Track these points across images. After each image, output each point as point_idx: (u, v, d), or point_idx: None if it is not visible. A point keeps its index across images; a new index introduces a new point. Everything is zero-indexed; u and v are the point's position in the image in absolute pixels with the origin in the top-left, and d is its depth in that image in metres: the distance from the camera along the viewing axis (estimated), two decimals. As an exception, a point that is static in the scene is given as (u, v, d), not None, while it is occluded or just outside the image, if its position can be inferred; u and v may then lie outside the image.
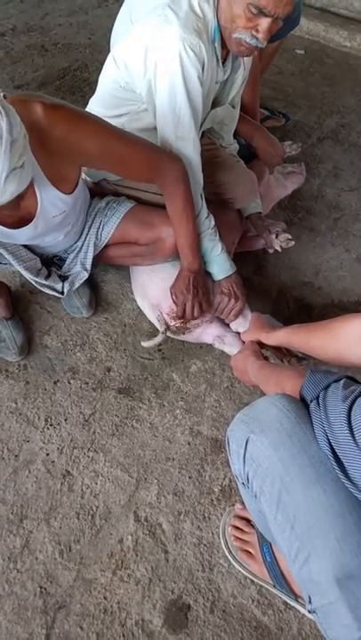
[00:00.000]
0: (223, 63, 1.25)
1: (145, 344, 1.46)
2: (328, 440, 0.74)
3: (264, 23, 1.09)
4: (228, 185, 1.50)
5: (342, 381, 0.78)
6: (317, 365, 1.37)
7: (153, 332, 1.52)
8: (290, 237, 1.61)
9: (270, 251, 1.67)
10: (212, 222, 1.36)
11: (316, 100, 2.55)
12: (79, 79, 2.46)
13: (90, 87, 2.35)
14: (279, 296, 1.69)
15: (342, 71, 2.79)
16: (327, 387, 0.79)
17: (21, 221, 1.17)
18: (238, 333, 1.45)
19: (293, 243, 1.62)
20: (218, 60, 1.21)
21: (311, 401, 0.80)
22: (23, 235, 1.22)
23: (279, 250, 1.64)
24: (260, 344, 1.27)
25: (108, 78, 1.30)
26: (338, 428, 0.72)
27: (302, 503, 0.75)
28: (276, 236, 1.61)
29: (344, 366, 0.94)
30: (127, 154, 1.16)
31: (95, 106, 1.37)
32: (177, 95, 1.17)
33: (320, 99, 2.56)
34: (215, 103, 1.35)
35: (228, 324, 1.48)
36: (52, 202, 1.18)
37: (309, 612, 0.81)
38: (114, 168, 1.24)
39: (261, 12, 1.07)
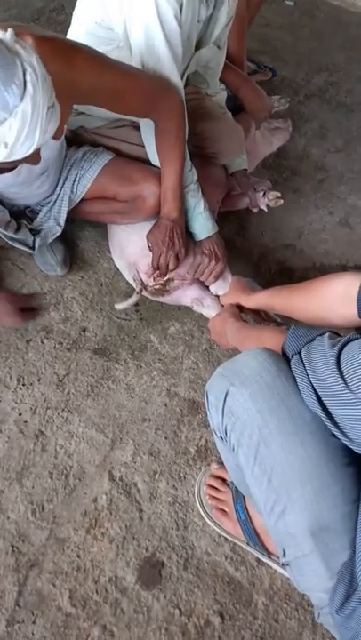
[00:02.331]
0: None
1: (118, 306, 1.42)
2: (314, 389, 0.72)
3: None
4: (212, 138, 1.43)
5: (327, 334, 0.77)
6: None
7: (130, 293, 1.47)
8: (279, 195, 1.56)
9: (255, 210, 1.62)
10: (195, 176, 1.30)
11: (305, 56, 2.45)
12: (55, 22, 2.30)
13: (66, 32, 2.19)
14: (261, 258, 1.66)
15: (332, 26, 2.68)
16: (311, 340, 0.77)
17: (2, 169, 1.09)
18: (218, 297, 1.42)
19: (282, 201, 1.57)
20: None
21: (293, 355, 0.79)
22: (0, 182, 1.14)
23: (265, 209, 1.59)
24: (240, 308, 1.24)
25: (84, 14, 1.20)
26: (326, 375, 0.70)
27: (280, 455, 0.74)
28: (264, 195, 1.56)
29: (326, 327, 0.93)
30: (124, 86, 1.08)
31: None
32: (154, 38, 1.10)
33: (308, 54, 2.47)
34: (199, 44, 1.27)
35: (207, 287, 1.44)
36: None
37: (283, 564, 0.82)
38: (109, 103, 1.15)
39: None
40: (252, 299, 1.19)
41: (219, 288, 1.41)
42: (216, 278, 1.40)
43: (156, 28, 1.08)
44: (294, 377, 0.77)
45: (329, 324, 0.92)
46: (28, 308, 1.39)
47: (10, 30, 0.81)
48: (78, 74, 0.98)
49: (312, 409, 0.74)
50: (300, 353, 0.78)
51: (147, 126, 1.27)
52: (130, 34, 1.12)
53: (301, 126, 2.09)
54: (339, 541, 0.73)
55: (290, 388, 0.76)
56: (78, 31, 1.23)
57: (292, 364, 0.78)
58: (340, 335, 0.79)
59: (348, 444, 0.71)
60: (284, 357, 0.82)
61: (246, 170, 1.61)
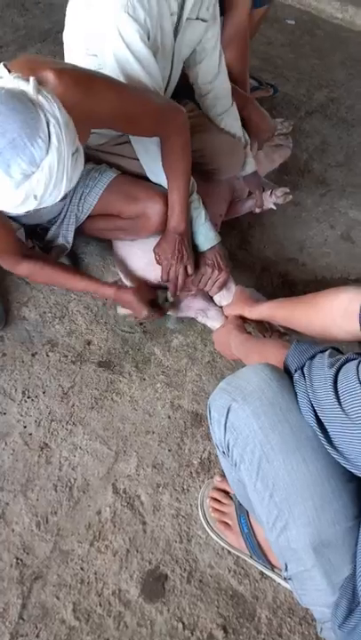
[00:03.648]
0: None
1: (121, 311, 1.43)
2: (312, 407, 0.73)
3: None
4: (211, 154, 1.46)
5: (328, 351, 0.78)
6: (301, 339, 1.37)
7: (134, 306, 1.49)
8: (288, 191, 1.59)
9: (257, 211, 1.65)
10: (195, 187, 1.33)
11: (306, 73, 2.49)
12: (61, 43, 2.33)
13: (72, 51, 2.25)
14: (263, 272, 1.68)
15: (333, 44, 2.73)
16: (313, 357, 0.78)
17: None
18: (222, 308, 1.43)
19: (291, 197, 1.61)
20: None
21: (295, 370, 0.80)
22: None
23: (274, 207, 1.62)
24: (243, 319, 1.25)
25: (72, 45, 1.25)
26: (323, 394, 0.71)
27: (282, 471, 0.75)
28: (271, 193, 1.59)
29: (328, 340, 0.94)
30: (138, 110, 1.11)
31: None
32: (129, 67, 1.14)
33: (309, 71, 2.51)
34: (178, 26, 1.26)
35: (211, 298, 1.46)
36: None
37: (285, 579, 0.82)
38: (123, 126, 1.18)
39: None
40: (256, 310, 1.20)
41: (222, 298, 1.43)
42: (220, 288, 1.41)
43: (127, 56, 1.12)
44: (296, 392, 0.78)
45: (330, 336, 0.93)
46: (157, 305, 1.38)
47: (32, 80, 0.84)
48: (97, 101, 1.01)
49: (311, 426, 0.74)
50: (302, 369, 0.79)
51: (145, 147, 1.30)
52: (104, 64, 1.16)
53: (303, 141, 2.12)
54: (340, 556, 0.73)
55: (292, 403, 0.77)
56: (73, 61, 1.27)
57: (295, 379, 0.79)
58: (341, 352, 0.80)
59: (342, 462, 0.71)
60: (287, 372, 0.83)
61: (256, 171, 1.63)
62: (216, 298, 1.44)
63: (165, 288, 1.41)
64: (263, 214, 1.77)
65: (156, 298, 1.37)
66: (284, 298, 1.12)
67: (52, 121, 0.82)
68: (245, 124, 1.66)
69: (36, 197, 0.84)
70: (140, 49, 1.13)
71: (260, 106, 1.71)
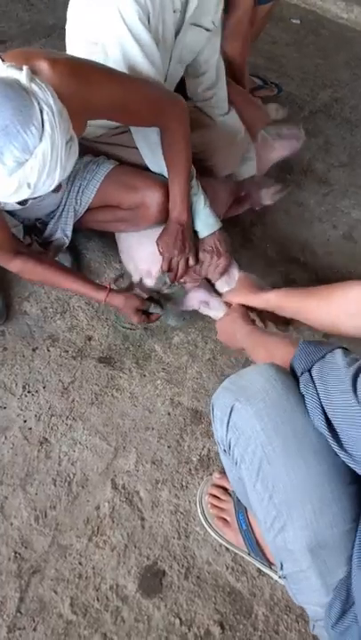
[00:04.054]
0: None
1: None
2: (323, 410, 0.72)
3: None
4: (208, 150, 1.45)
5: (338, 350, 0.77)
6: (297, 333, 1.37)
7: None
8: (279, 188, 1.65)
9: (257, 208, 1.66)
10: (195, 173, 1.33)
11: (310, 73, 2.49)
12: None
13: (77, 46, 2.25)
14: (264, 271, 1.68)
15: (338, 44, 2.73)
16: (322, 357, 0.77)
17: None
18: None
19: (285, 193, 1.66)
20: None
21: (302, 373, 0.79)
22: None
23: (271, 202, 1.64)
24: (248, 308, 1.22)
25: (74, 36, 1.25)
26: (339, 394, 0.70)
27: (282, 474, 0.75)
28: (265, 191, 1.63)
29: (337, 335, 0.92)
30: (136, 101, 1.10)
31: None
32: (128, 50, 1.14)
33: (314, 71, 2.51)
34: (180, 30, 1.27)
35: (213, 289, 1.45)
36: None
37: (280, 577, 0.82)
38: (121, 116, 1.17)
39: None
40: (260, 297, 1.13)
41: (224, 284, 1.42)
42: (221, 274, 1.41)
43: (128, 39, 1.12)
44: (301, 395, 0.77)
45: (339, 332, 0.89)
46: (147, 312, 1.38)
47: (25, 69, 0.83)
48: (93, 90, 1.01)
49: (319, 429, 0.73)
50: (310, 371, 0.77)
51: (144, 138, 1.29)
52: (106, 50, 1.16)
53: (306, 141, 2.10)
54: (336, 559, 0.73)
55: (296, 406, 0.76)
56: (74, 51, 1.27)
57: (302, 383, 0.78)
58: (347, 350, 0.79)
59: (351, 465, 0.71)
60: (292, 373, 0.82)
61: (253, 176, 1.64)
62: (218, 284, 1.42)
63: (155, 300, 1.40)
64: (266, 214, 1.77)
65: (145, 307, 1.36)
66: (293, 288, 1.09)
67: (46, 109, 0.82)
68: (241, 116, 1.65)
69: (29, 185, 0.84)
70: (140, 31, 1.12)
71: (252, 97, 1.72)
